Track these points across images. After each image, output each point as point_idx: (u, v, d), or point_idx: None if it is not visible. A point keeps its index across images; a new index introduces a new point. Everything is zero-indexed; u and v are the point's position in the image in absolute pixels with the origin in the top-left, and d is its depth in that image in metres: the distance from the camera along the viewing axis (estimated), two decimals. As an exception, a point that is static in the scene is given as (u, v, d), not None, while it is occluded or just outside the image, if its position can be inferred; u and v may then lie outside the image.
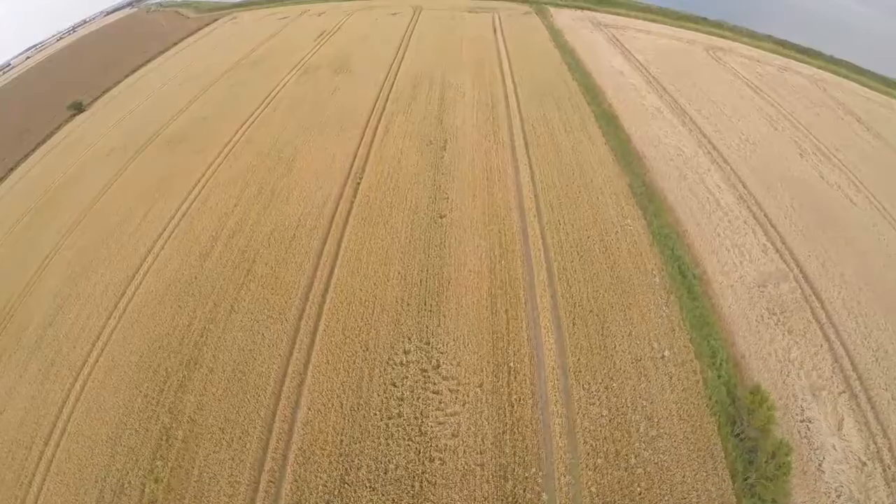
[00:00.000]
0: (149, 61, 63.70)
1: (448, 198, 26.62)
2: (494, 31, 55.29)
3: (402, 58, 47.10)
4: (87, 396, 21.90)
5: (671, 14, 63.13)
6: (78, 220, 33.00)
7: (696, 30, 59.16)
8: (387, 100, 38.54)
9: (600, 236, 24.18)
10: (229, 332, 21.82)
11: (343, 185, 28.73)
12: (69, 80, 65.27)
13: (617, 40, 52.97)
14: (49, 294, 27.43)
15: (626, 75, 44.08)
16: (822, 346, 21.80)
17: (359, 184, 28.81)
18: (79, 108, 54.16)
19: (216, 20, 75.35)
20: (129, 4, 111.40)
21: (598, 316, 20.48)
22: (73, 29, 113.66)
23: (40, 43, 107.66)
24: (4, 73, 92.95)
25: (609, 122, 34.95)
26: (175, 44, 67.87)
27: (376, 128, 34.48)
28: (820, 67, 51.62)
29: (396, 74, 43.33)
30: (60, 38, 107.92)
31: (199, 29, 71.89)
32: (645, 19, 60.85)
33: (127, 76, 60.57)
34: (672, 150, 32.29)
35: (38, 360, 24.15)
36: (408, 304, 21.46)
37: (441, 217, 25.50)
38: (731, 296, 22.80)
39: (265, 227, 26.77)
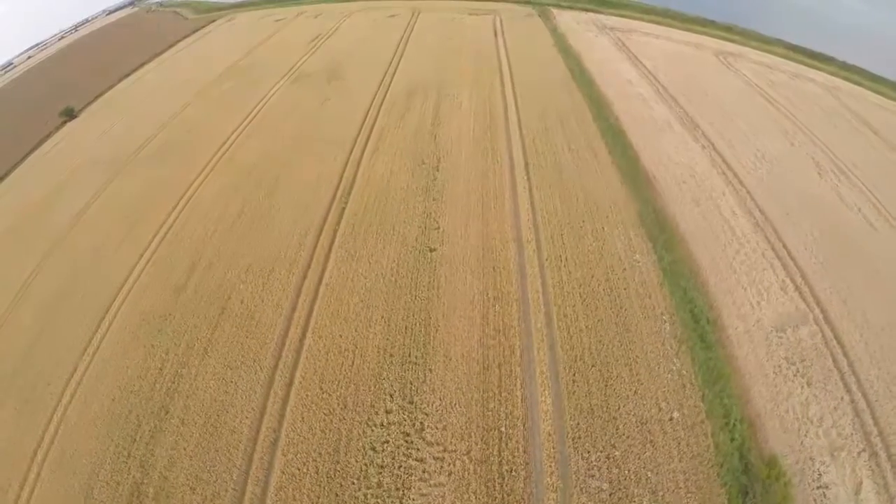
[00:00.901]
0: (144, 64, 60.85)
1: (439, 227, 24.11)
2: (495, 34, 51.97)
3: (398, 64, 44.13)
4: (61, 441, 20.04)
5: (678, 17, 59.31)
6: (59, 241, 30.80)
7: (705, 33, 55.52)
8: (378, 111, 35.80)
9: (606, 275, 21.68)
10: (202, 379, 19.75)
11: (327, 211, 26.27)
12: (65, 83, 62.66)
13: (623, 45, 49.55)
14: (25, 325, 25.48)
15: (633, 84, 40.94)
16: (842, 398, 19.42)
17: (344, 208, 26.31)
18: (70, 115, 51.66)
19: (213, 21, 72.10)
20: (129, 4, 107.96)
21: (600, 371, 18.14)
22: (76, 28, 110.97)
23: (43, 42, 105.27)
24: (6, 72, 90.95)
25: (616, 137, 32.04)
26: (171, 46, 64.84)
27: (366, 143, 31.84)
28: (832, 74, 48.39)
29: (391, 83, 40.46)
30: (62, 38, 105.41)
31: (196, 31, 68.69)
32: (652, 22, 57.15)
33: (121, 80, 57.77)
34: (684, 171, 29.49)
35: (14, 399, 22.21)
36: (391, 356, 19.20)
37: (431, 251, 23.05)
38: (747, 344, 20.36)
39: (243, 258, 24.50)
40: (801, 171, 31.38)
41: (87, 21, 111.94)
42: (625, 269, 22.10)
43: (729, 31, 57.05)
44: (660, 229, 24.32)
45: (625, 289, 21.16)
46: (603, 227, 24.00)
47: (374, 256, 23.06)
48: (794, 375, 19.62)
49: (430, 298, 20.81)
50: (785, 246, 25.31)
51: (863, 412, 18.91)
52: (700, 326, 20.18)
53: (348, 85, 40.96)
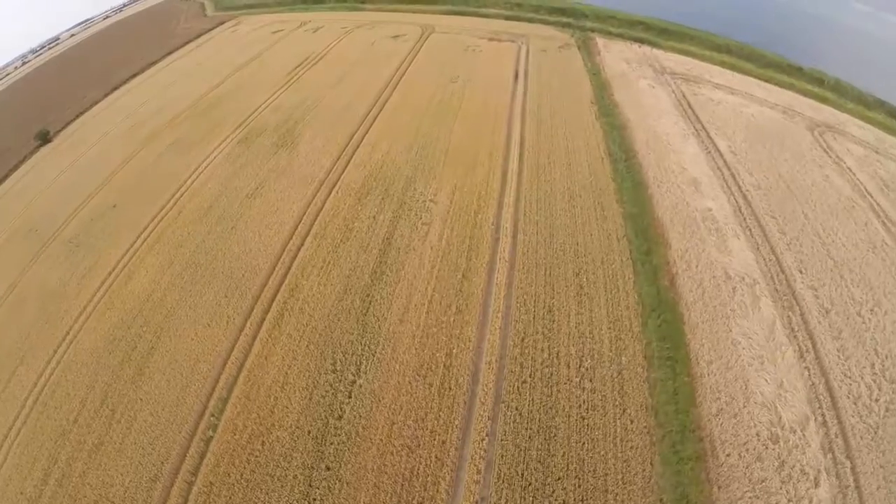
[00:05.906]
0: (135, 76, 48.83)
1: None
2: (515, 77, 34.76)
3: (370, 127, 28.89)
4: None
5: (756, 58, 38.61)
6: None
7: (791, 87, 35.54)
8: (309, 230, 21.64)
9: None
10: None
11: (187, 443, 14.56)
12: (60, 89, 52.22)
13: (689, 106, 31.50)
14: None
15: (703, 190, 24.26)
16: None
17: (211, 438, 14.50)
18: (45, 138, 41.67)
19: (222, 24, 57.41)
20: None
21: None
22: (122, 7, 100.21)
23: (90, 19, 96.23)
24: (50, 48, 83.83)
25: (667, 332, 16.79)
26: (168, 53, 51.90)
27: (271, 303, 18.55)
28: (949, 160, 29.80)
29: (347, 163, 25.79)
30: (107, 17, 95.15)
31: (200, 35, 54.66)
32: (723, 65, 37.21)
33: (106, 95, 46.40)
34: (767, 429, 14.48)
35: None
36: None
37: None
38: None
39: (90, 489, 14.32)
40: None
41: (132, 2, 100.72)
42: None
43: (821, 85, 36.61)
44: None
45: None
46: None
47: None
48: None
49: None
50: None
51: None
52: None
53: (293, 162, 26.45)
